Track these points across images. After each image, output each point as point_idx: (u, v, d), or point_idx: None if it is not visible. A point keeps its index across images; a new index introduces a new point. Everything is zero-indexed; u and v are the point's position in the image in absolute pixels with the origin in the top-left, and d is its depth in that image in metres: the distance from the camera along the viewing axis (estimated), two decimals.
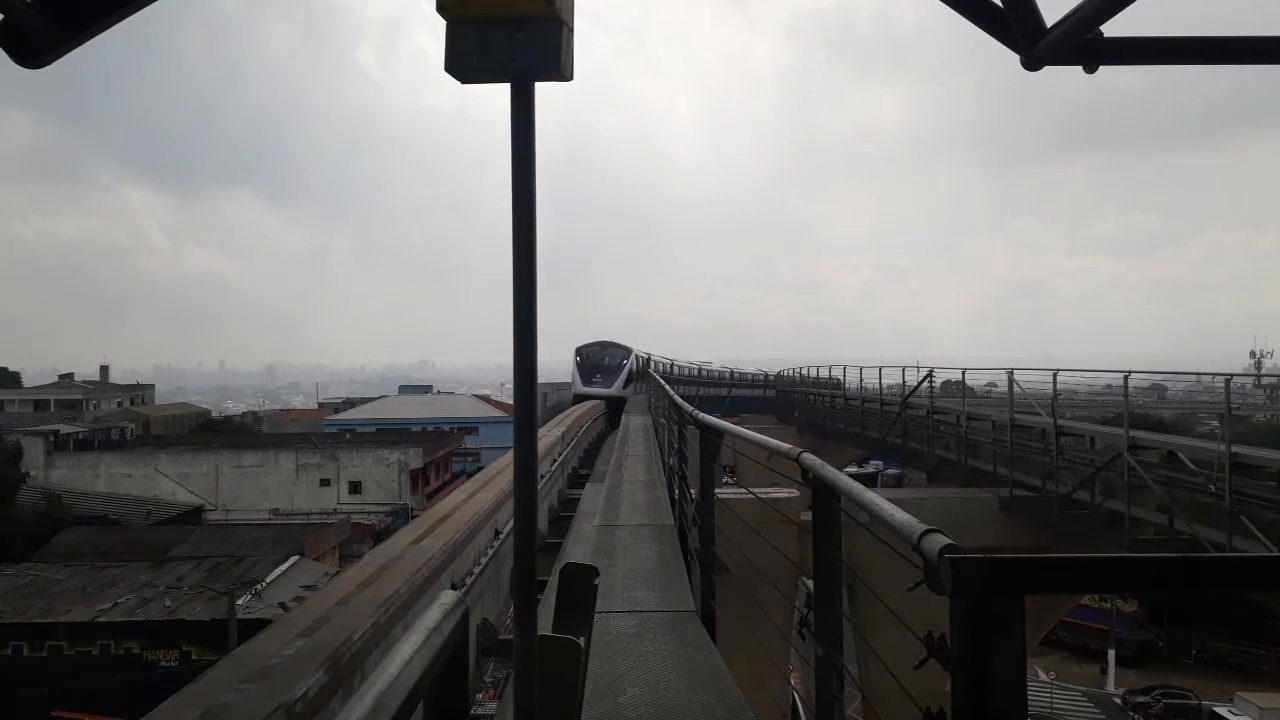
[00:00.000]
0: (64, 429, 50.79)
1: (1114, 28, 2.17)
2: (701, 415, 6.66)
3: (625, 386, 31.88)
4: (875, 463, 50.13)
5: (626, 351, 34.07)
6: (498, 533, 7.08)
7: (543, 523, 9.97)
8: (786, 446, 3.73)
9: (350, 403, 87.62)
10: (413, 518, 25.26)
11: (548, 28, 1.52)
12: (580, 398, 29.06)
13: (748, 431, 5.40)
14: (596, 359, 33.19)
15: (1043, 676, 35.76)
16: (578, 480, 14.39)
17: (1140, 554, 6.75)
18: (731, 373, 57.96)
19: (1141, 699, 33.27)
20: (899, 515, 2.02)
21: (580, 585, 2.55)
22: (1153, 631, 39.68)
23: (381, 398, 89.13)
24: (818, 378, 37.63)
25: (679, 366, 43.56)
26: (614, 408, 27.05)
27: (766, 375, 56.95)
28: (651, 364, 35.92)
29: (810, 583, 3.36)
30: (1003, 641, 1.46)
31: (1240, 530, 10.02)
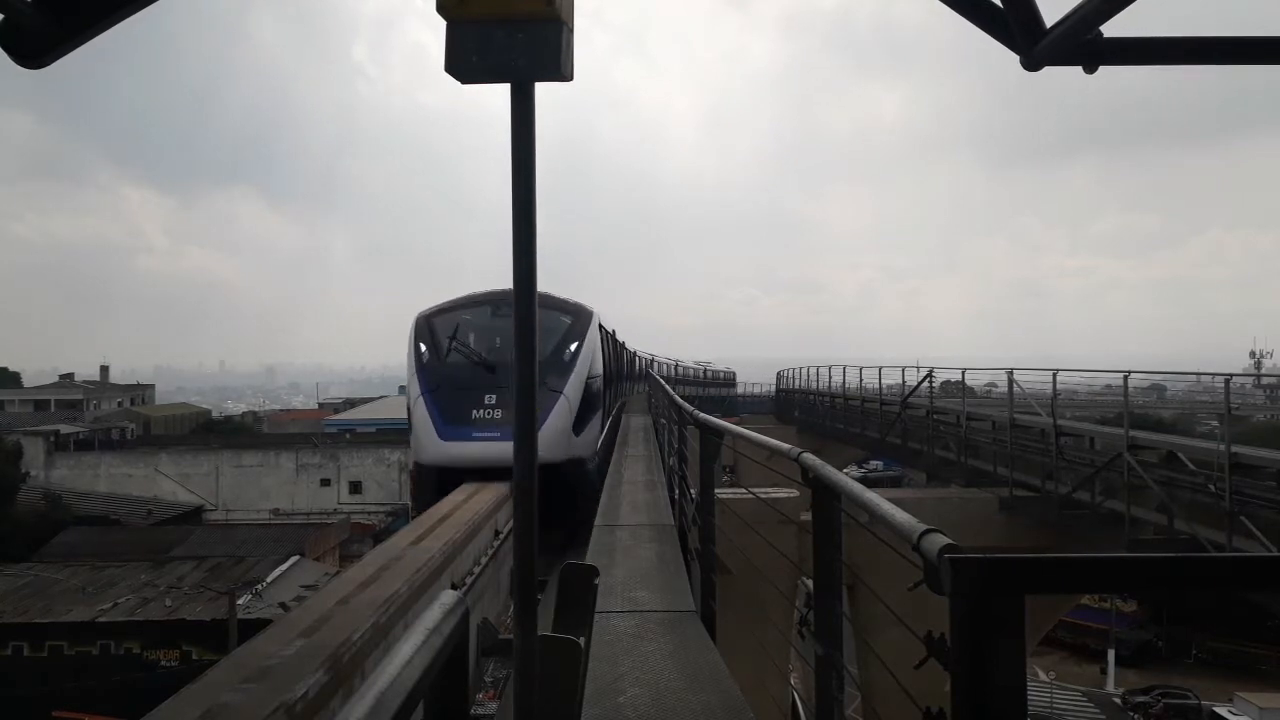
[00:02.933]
0: (64, 429, 50.82)
1: (1114, 28, 2.17)
2: (701, 415, 6.66)
3: (583, 426, 11.07)
4: (875, 463, 50.09)
5: (579, 324, 11.82)
6: (498, 533, 7.09)
7: None
8: (786, 446, 3.74)
9: (350, 403, 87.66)
10: (413, 518, 25.02)
11: (548, 28, 1.52)
12: (425, 473, 10.60)
13: (748, 431, 5.40)
14: (483, 349, 10.96)
15: (1043, 676, 35.75)
16: None
17: (1140, 554, 6.75)
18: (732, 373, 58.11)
19: (1141, 699, 33.27)
20: (899, 515, 2.02)
21: (580, 585, 2.56)
22: (1153, 631, 39.68)
23: (381, 398, 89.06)
24: (818, 389, 34.24)
25: (682, 368, 42.88)
26: (554, 504, 8.63)
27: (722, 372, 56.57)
28: (655, 366, 29.30)
29: (810, 583, 3.36)
30: (1003, 641, 1.46)
31: (1240, 530, 10.02)
